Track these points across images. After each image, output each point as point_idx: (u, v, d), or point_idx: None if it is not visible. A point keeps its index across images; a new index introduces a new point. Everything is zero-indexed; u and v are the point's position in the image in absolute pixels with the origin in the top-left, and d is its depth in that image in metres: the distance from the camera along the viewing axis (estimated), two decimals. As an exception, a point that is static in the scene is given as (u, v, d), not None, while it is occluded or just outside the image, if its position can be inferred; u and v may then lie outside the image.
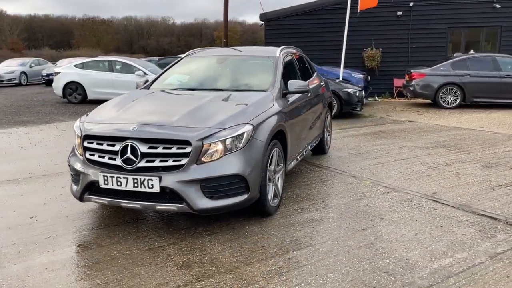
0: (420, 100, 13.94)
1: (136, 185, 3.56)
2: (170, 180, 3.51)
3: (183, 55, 5.83)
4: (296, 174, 5.69)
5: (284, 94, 4.73)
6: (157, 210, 4.15)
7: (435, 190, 4.98)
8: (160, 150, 3.55)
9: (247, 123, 3.78)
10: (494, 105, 12.48)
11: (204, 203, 3.55)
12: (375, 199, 4.68)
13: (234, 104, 4.12)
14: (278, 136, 4.34)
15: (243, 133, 3.71)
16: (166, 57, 24.39)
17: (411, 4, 15.37)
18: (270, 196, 4.12)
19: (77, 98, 14.01)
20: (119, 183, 3.60)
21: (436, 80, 12.37)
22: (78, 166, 3.87)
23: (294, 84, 4.70)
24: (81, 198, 3.86)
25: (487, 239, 3.66)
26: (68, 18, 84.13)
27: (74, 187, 3.97)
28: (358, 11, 13.40)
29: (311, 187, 5.11)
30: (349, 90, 10.59)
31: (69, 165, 4.07)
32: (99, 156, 3.73)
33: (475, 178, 5.43)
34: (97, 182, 3.68)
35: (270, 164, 4.15)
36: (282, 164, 4.42)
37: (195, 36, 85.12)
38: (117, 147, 3.63)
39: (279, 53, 5.23)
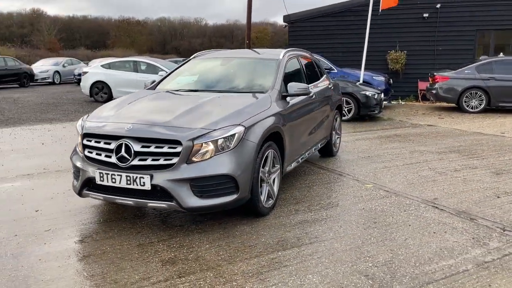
0: (445, 104, 13.65)
1: (129, 182, 3.69)
2: (161, 179, 3.62)
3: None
4: (299, 175, 5.72)
5: (284, 96, 4.77)
6: (149, 207, 4.27)
7: (437, 196, 4.91)
8: (152, 149, 3.67)
9: (239, 125, 3.85)
10: (521, 110, 12.10)
11: (193, 201, 3.64)
12: (372, 203, 4.66)
13: (230, 106, 4.19)
14: (274, 138, 4.39)
15: (234, 134, 3.78)
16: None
17: (438, 5, 15.07)
18: (263, 197, 4.18)
19: (103, 97, 14.43)
20: (113, 180, 3.74)
21: (460, 83, 12.10)
22: (78, 163, 4.04)
23: (294, 86, 4.74)
24: (80, 194, 4.03)
25: (478, 247, 3.60)
26: (105, 19, 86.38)
27: (75, 183, 4.14)
28: (380, 10, 13.21)
29: (311, 189, 5.13)
30: (367, 93, 10.50)
31: (71, 162, 4.24)
32: (97, 154, 3.88)
33: (481, 185, 5.32)
34: (94, 178, 3.84)
35: (264, 165, 4.22)
36: (278, 166, 4.47)
37: (226, 37, 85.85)
38: (113, 145, 3.77)
39: (283, 56, 5.28)
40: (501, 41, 15.51)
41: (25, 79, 21.19)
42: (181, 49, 77.00)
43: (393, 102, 15.15)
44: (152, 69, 14.21)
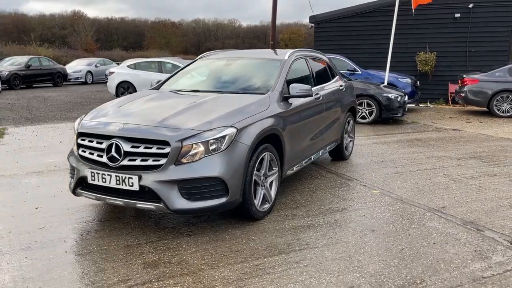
0: (475, 108, 13.09)
1: (118, 182, 3.66)
2: (149, 180, 3.58)
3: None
4: (304, 179, 5.58)
5: (285, 97, 4.65)
6: (138, 208, 4.21)
7: (446, 204, 4.66)
8: (141, 149, 3.63)
9: (230, 126, 3.76)
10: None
11: (181, 203, 3.58)
12: (375, 210, 4.47)
13: (225, 107, 4.11)
14: (272, 140, 4.28)
15: (225, 135, 3.69)
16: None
17: (471, 5, 14.49)
18: (257, 200, 4.07)
19: (129, 97, 14.64)
20: (104, 180, 3.73)
21: (490, 86, 11.58)
22: (73, 162, 4.06)
23: (295, 88, 4.61)
24: (74, 192, 4.04)
25: (479, 261, 3.37)
26: (142, 20, 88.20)
27: (71, 182, 4.16)
28: (413, 9, 12.79)
29: (313, 194, 4.98)
30: (390, 95, 10.20)
31: (68, 161, 4.27)
32: (89, 153, 3.88)
33: (497, 194, 5.02)
34: (87, 177, 3.84)
35: (261, 168, 4.12)
36: (276, 169, 4.35)
37: (259, 38, 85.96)
38: (104, 144, 3.76)
39: (288, 56, 5.16)
40: (538, 42, 14.77)
41: (58, 78, 21.83)
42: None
43: (421, 105, 14.69)
44: (176, 69, 14.30)
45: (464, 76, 12.20)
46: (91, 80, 24.37)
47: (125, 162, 3.65)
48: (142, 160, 3.62)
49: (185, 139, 3.60)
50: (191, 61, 5.78)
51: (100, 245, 3.63)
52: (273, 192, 4.35)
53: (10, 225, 4.05)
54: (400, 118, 10.79)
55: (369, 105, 10.28)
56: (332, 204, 4.64)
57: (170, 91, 4.99)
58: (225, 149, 3.69)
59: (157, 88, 5.29)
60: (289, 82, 4.82)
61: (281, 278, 3.10)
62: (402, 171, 6.02)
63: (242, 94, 4.61)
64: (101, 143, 3.80)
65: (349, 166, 6.29)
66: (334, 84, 6.11)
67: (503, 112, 11.56)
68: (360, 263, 3.32)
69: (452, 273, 3.17)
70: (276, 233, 3.87)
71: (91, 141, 3.89)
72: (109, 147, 3.71)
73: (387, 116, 10.30)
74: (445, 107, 14.48)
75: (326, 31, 16.17)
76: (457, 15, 14.74)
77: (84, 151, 3.93)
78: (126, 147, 3.66)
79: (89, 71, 24.29)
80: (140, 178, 3.59)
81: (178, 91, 4.98)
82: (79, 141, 3.99)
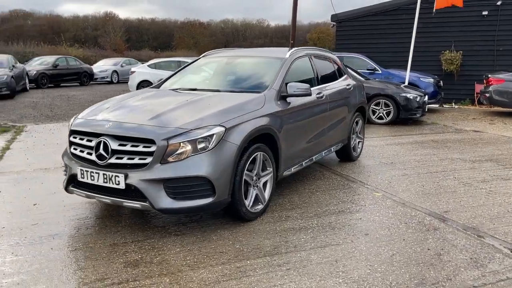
0: (501, 109, 12.56)
1: (105, 180, 3.66)
2: (135, 178, 3.55)
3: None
4: (306, 180, 5.45)
5: (283, 96, 4.55)
6: (125, 207, 4.17)
7: (449, 208, 4.46)
8: (128, 147, 3.61)
9: (219, 125, 3.70)
10: None
11: (167, 203, 3.54)
12: (373, 213, 4.32)
13: (216, 105, 4.05)
14: (267, 139, 4.19)
15: (213, 134, 3.63)
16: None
17: (499, 2, 13.96)
18: (248, 201, 4.00)
19: (149, 96, 14.81)
20: (92, 178, 3.73)
21: (517, 86, 11.10)
22: (66, 159, 4.08)
23: (293, 86, 4.50)
24: (66, 190, 4.06)
25: (473, 269, 3.19)
26: (172, 21, 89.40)
27: (64, 179, 4.18)
28: (434, 10, 12.45)
29: (312, 195, 4.86)
30: (408, 95, 9.91)
31: (62, 159, 4.30)
32: (80, 151, 3.89)
33: (507, 199, 4.78)
34: (77, 175, 3.85)
35: (253, 168, 4.04)
36: (271, 169, 4.26)
37: (287, 38, 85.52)
38: (93, 142, 3.76)
39: (289, 55, 5.05)
40: None
41: (85, 78, 22.31)
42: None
43: (445, 106, 14.25)
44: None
45: (489, 75, 11.76)
46: (116, 80, 24.79)
47: (113, 160, 3.64)
48: (129, 159, 3.60)
49: (171, 137, 3.55)
50: (195, 59, 5.74)
51: (86, 243, 3.63)
52: (267, 193, 4.26)
53: (4, 221, 4.11)
54: (419, 118, 10.49)
55: (386, 105, 10.03)
56: (330, 206, 4.51)
57: (168, 90, 4.97)
58: (212, 148, 3.62)
59: (158, 86, 5.28)
60: (289, 81, 4.71)
61: (260, 281, 3.01)
62: (410, 173, 5.81)
63: (239, 93, 4.53)
64: (90, 141, 3.81)
65: (356, 168, 6.12)
66: (340, 83, 5.96)
67: (530, 113, 11.07)
68: (346, 268, 3.19)
69: (441, 282, 3.01)
70: (265, 235, 3.78)
71: (82, 139, 3.90)
72: (98, 145, 3.71)
73: (405, 116, 10.02)
74: (471, 108, 14.00)
75: (348, 30, 15.91)
76: (485, 12, 14.23)
77: (76, 149, 3.95)
78: (113, 145, 3.65)
79: (115, 71, 24.72)
80: (126, 176, 3.57)
81: (176, 89, 4.95)
82: (71, 138, 4.02)
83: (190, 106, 4.08)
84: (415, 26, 11.80)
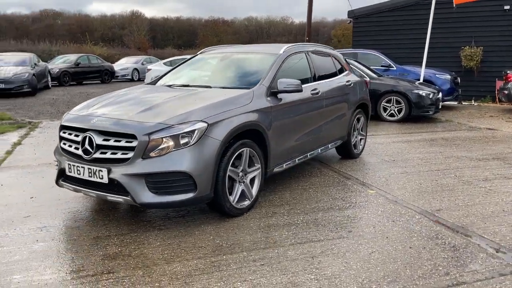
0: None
1: (90, 175, 3.73)
2: (118, 173, 3.61)
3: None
4: (302, 176, 5.42)
5: (274, 92, 4.53)
6: (109, 201, 4.21)
7: (443, 207, 4.36)
8: (111, 142, 3.67)
9: (201, 120, 3.72)
10: None
11: (148, 197, 3.58)
12: (362, 211, 4.26)
13: (202, 101, 4.07)
14: (255, 135, 4.19)
15: (194, 130, 3.65)
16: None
17: (521, -4, 13.52)
18: (233, 197, 4.00)
19: (165, 93, 15.00)
20: (78, 172, 3.81)
21: (537, 83, 10.73)
22: (57, 154, 4.18)
23: (283, 82, 4.48)
24: (57, 183, 4.15)
25: (452, 268, 3.12)
26: (196, 19, 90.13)
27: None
28: (454, 4, 12.14)
29: (305, 192, 4.83)
30: (421, 92, 9.72)
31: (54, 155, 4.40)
32: (69, 146, 3.98)
33: (505, 198, 4.64)
34: (65, 169, 3.94)
35: (239, 164, 4.05)
36: (259, 165, 4.26)
37: (311, 35, 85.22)
38: (80, 137, 3.84)
39: (283, 51, 5.03)
40: None
41: (106, 75, 22.74)
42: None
43: (464, 103, 13.90)
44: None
45: (508, 72, 11.41)
46: (137, 77, 25.15)
47: (97, 155, 3.70)
48: (112, 153, 3.66)
49: (152, 133, 3.59)
50: (193, 55, 5.78)
51: (71, 236, 3.71)
52: (254, 189, 4.26)
53: (-1, 213, 4.24)
54: (433, 116, 10.27)
55: (398, 102, 9.86)
56: (319, 203, 4.47)
57: (162, 86, 5.03)
58: (194, 143, 3.65)
59: (155, 82, 5.34)
60: (283, 77, 4.69)
61: (231, 276, 3.02)
62: (411, 171, 5.71)
63: (228, 89, 4.54)
64: (78, 136, 3.89)
65: (355, 165, 6.05)
66: (340, 80, 5.88)
67: (550, 111, 10.69)
68: (320, 265, 3.17)
69: (414, 280, 2.95)
70: (248, 230, 3.78)
71: (70, 134, 3.99)
72: (84, 139, 3.78)
73: (418, 114, 9.83)
74: (491, 105, 13.62)
75: (364, 26, 15.69)
76: (507, 7, 13.80)
77: (65, 144, 4.04)
78: (98, 140, 3.71)
79: (136, 69, 25.08)
80: (109, 171, 3.63)
81: (170, 85, 5.00)
82: (61, 133, 4.11)
83: (176, 101, 4.12)
84: (431, 22, 11.56)
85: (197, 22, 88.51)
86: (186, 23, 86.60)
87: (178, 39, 79.60)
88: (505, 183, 5.14)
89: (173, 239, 3.63)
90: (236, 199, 4.04)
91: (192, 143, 3.64)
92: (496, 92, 13.83)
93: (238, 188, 4.09)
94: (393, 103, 9.92)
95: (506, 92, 11.24)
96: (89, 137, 3.74)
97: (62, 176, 4.08)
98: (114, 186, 3.67)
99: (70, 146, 3.97)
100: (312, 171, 5.69)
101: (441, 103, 10.40)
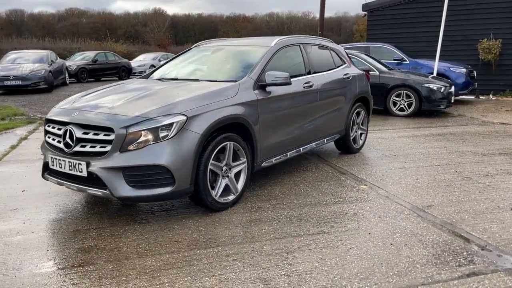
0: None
1: (70, 168, 3.73)
2: (96, 166, 3.59)
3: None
4: (296, 171, 5.32)
5: (262, 85, 4.45)
6: (89, 194, 4.19)
7: (435, 203, 4.21)
8: (90, 136, 3.67)
9: (180, 114, 3.67)
10: None
11: (126, 191, 3.56)
12: (350, 206, 4.15)
13: (186, 94, 4.01)
14: (240, 129, 4.13)
15: (172, 123, 3.61)
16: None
17: (543, -14, 13.00)
18: (215, 191, 3.95)
19: (177, 89, 15.02)
20: (60, 165, 3.82)
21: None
22: (42, 147, 4.21)
23: (271, 75, 4.39)
24: (43, 177, 4.18)
25: (430, 266, 2.99)
26: (217, 16, 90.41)
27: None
28: None
29: (295, 187, 4.74)
30: (431, 86, 9.45)
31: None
32: (52, 139, 4.00)
33: (503, 194, 4.45)
34: (49, 162, 3.96)
35: (222, 158, 3.99)
36: (244, 159, 4.19)
37: (333, 30, 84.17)
38: (62, 131, 3.84)
39: (274, 43, 4.94)
40: None
41: (123, 72, 22.96)
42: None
43: (482, 97, 13.49)
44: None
45: (526, 64, 10.99)
46: (154, 74, 25.33)
47: (77, 148, 3.70)
48: (91, 147, 3.65)
49: (130, 126, 3.57)
50: (187, 49, 5.73)
51: (51, 229, 3.72)
52: (240, 184, 4.19)
53: (-13, 206, 4.29)
54: (444, 110, 9.98)
55: (408, 96, 9.62)
56: (308, 198, 4.38)
57: (153, 79, 5.01)
58: (172, 137, 3.60)
59: (147, 76, 5.33)
60: (274, 70, 4.60)
61: (201, 271, 2.97)
62: (409, 166, 5.54)
63: (215, 82, 4.48)
64: (60, 129, 3.90)
65: (353, 160, 5.91)
66: (337, 73, 5.75)
67: None
68: (294, 261, 3.09)
69: (388, 278, 2.84)
70: (228, 225, 3.72)
71: (54, 128, 4.00)
72: (65, 133, 3.79)
73: (428, 108, 9.56)
74: (509, 99, 13.17)
75: (379, 19, 15.38)
76: (527, -3, 13.30)
77: (49, 137, 4.05)
78: (78, 133, 3.71)
79: (153, 65, 25.23)
80: (88, 164, 3.62)
81: (160, 79, 4.97)
82: (46, 127, 4.12)
83: (159, 94, 4.09)
84: (444, 14, 11.25)
85: (218, 18, 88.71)
86: (207, 20, 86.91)
87: (199, 35, 79.89)
88: (507, 179, 4.94)
89: (151, 233, 3.60)
90: (219, 194, 3.99)
91: (170, 136, 3.60)
92: (516, 85, 13.38)
93: (222, 182, 4.03)
94: (403, 97, 9.68)
95: (523, 85, 10.84)
96: (70, 131, 3.74)
97: (47, 170, 4.10)
98: (93, 179, 3.66)
99: (53, 139, 3.98)
100: (308, 166, 5.59)
101: (454, 97, 10.10)
